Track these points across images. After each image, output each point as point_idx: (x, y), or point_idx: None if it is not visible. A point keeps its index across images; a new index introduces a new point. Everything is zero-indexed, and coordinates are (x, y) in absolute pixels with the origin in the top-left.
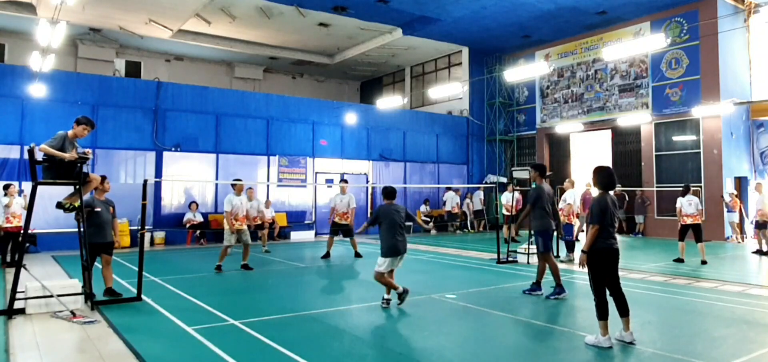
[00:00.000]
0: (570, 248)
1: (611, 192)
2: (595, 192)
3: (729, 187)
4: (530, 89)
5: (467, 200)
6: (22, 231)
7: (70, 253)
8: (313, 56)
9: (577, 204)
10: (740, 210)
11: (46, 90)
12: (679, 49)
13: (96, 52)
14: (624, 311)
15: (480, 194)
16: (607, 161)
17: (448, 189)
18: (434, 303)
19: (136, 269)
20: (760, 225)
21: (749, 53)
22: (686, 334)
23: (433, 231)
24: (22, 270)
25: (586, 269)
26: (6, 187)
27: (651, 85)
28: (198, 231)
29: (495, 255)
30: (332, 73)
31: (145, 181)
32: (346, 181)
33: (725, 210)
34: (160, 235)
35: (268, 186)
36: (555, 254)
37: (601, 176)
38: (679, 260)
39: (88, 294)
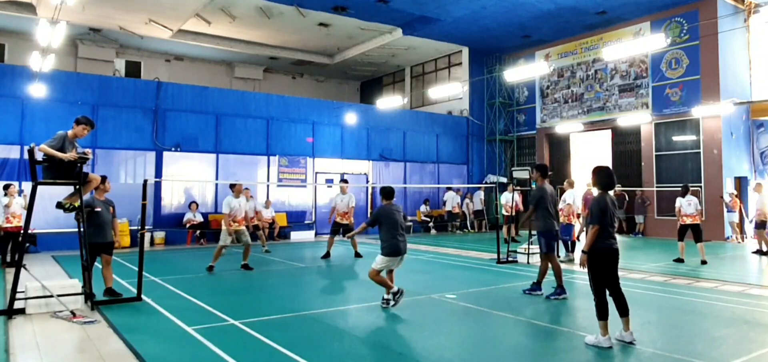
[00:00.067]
0: (570, 248)
1: (611, 192)
2: (595, 192)
3: (729, 187)
4: (530, 89)
5: (467, 200)
6: (22, 231)
7: (70, 253)
8: (313, 56)
9: (578, 205)
10: (740, 210)
11: (46, 90)
12: (679, 49)
13: (96, 52)
14: (624, 311)
15: (481, 194)
16: (607, 161)
17: (449, 189)
18: (434, 303)
19: (136, 269)
20: (759, 225)
21: (749, 53)
22: (686, 334)
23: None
24: (22, 270)
25: (586, 269)
26: (6, 187)
27: (651, 85)
28: (198, 231)
29: (495, 255)
30: (332, 73)
31: (145, 181)
32: (346, 181)
33: (725, 210)
34: (160, 235)
35: (268, 186)
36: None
37: (601, 176)
38: (679, 260)
39: (88, 294)
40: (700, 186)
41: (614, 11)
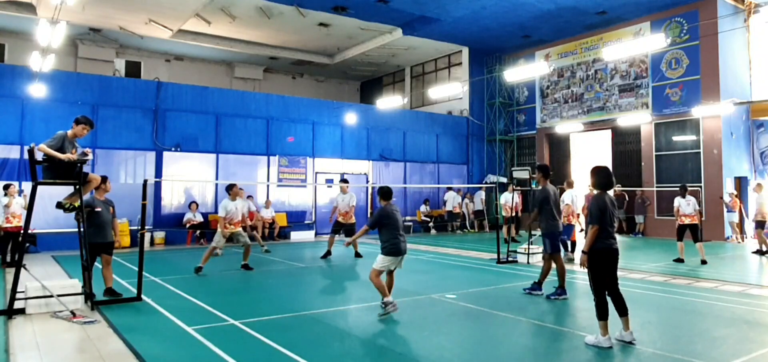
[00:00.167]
0: (571, 248)
1: (610, 192)
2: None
3: (729, 187)
4: (530, 89)
5: (466, 200)
6: (22, 231)
7: (70, 253)
8: (313, 56)
9: (579, 205)
10: (740, 210)
11: (46, 90)
12: (679, 49)
13: (96, 52)
14: (622, 310)
15: (482, 194)
16: (607, 161)
17: (449, 189)
18: (434, 303)
19: (136, 269)
20: (759, 225)
21: (749, 53)
22: (686, 334)
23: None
24: (22, 270)
25: (586, 269)
26: (6, 187)
27: (651, 85)
28: (198, 231)
29: (495, 255)
30: (332, 73)
31: (145, 181)
32: (346, 181)
33: (725, 210)
34: (160, 235)
35: (268, 186)
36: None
37: (599, 176)
38: (679, 260)
39: (88, 294)
40: (700, 187)
41: (614, 11)
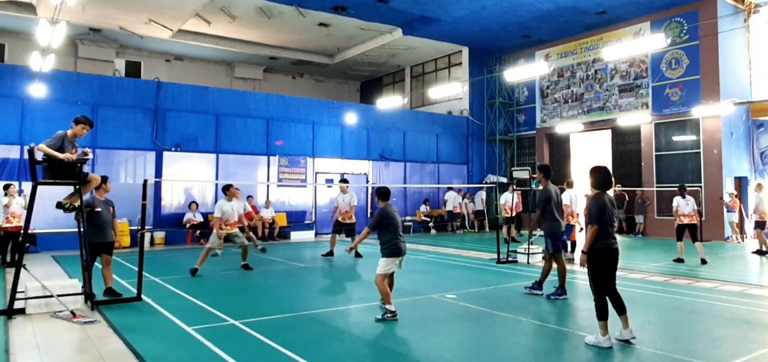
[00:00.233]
0: (571, 248)
1: (610, 192)
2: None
3: (729, 187)
4: (530, 89)
5: (466, 200)
6: (22, 231)
7: (70, 253)
8: (313, 56)
9: (579, 205)
10: (740, 210)
11: (46, 90)
12: (679, 49)
13: (96, 52)
14: (621, 309)
15: (482, 194)
16: (607, 161)
17: (449, 189)
18: (434, 303)
19: (136, 269)
20: (759, 225)
21: (749, 53)
22: (686, 334)
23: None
24: (22, 270)
25: (586, 269)
26: (6, 187)
27: (651, 85)
28: (198, 231)
29: (495, 255)
30: (332, 73)
31: (145, 181)
32: (346, 181)
33: (725, 210)
34: (160, 235)
35: (267, 186)
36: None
37: (598, 176)
38: (679, 260)
39: (88, 294)
40: (700, 187)
41: (614, 11)
